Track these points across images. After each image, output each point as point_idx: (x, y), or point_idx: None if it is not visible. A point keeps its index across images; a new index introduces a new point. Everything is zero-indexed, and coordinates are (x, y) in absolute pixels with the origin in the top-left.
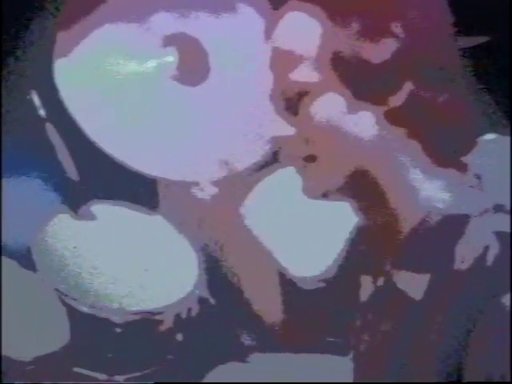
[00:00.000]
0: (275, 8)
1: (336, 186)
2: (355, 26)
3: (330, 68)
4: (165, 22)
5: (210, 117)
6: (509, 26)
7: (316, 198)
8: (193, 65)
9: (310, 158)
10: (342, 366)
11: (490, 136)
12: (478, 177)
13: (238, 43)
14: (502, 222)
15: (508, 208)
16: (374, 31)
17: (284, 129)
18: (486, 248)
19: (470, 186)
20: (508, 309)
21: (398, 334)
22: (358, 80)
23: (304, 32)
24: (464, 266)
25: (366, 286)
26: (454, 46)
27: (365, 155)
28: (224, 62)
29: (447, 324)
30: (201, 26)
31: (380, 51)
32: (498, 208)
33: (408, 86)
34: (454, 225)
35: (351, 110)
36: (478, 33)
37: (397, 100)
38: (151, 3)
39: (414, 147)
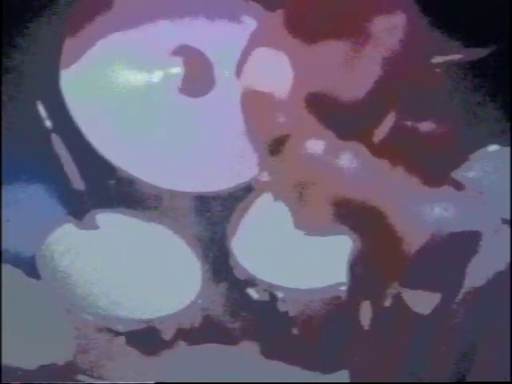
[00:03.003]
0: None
1: (328, 219)
2: (331, 57)
3: (307, 111)
4: (171, 34)
5: (214, 128)
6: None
7: (311, 233)
8: (198, 76)
9: (297, 196)
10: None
11: (492, 147)
12: (480, 191)
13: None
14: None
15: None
16: (351, 61)
17: (265, 171)
18: (507, 265)
19: (473, 199)
20: None
21: (407, 350)
22: (339, 119)
23: (275, 71)
24: (479, 283)
25: (372, 311)
26: (434, 71)
27: (354, 186)
28: (229, 73)
29: (458, 339)
30: (206, 37)
31: (358, 84)
32: (506, 222)
33: (391, 117)
34: (465, 242)
35: (334, 149)
36: (483, 44)
37: (381, 132)
38: (157, 14)
39: (402, 174)
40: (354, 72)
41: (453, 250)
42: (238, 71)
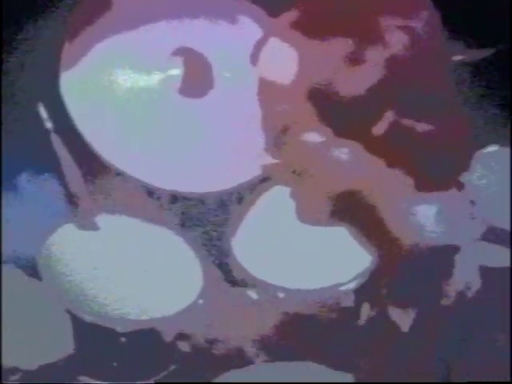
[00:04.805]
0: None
1: (327, 210)
2: (335, 53)
3: (309, 104)
4: (170, 36)
5: (214, 129)
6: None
7: (309, 223)
8: (197, 78)
9: (298, 185)
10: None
11: (491, 148)
12: (473, 202)
13: (240, 55)
14: (487, 254)
15: (500, 231)
16: (353, 59)
17: (270, 158)
18: (468, 284)
19: (468, 214)
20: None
21: (391, 361)
22: (337, 115)
23: (283, 63)
24: (448, 301)
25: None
26: (439, 71)
27: (351, 181)
28: (228, 74)
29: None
30: (205, 39)
31: (358, 81)
32: (488, 233)
33: (389, 115)
34: (442, 257)
35: (331, 143)
36: (484, 45)
37: (378, 130)
38: (157, 16)
39: (398, 174)
40: (356, 69)
41: (432, 264)
42: (254, 59)
